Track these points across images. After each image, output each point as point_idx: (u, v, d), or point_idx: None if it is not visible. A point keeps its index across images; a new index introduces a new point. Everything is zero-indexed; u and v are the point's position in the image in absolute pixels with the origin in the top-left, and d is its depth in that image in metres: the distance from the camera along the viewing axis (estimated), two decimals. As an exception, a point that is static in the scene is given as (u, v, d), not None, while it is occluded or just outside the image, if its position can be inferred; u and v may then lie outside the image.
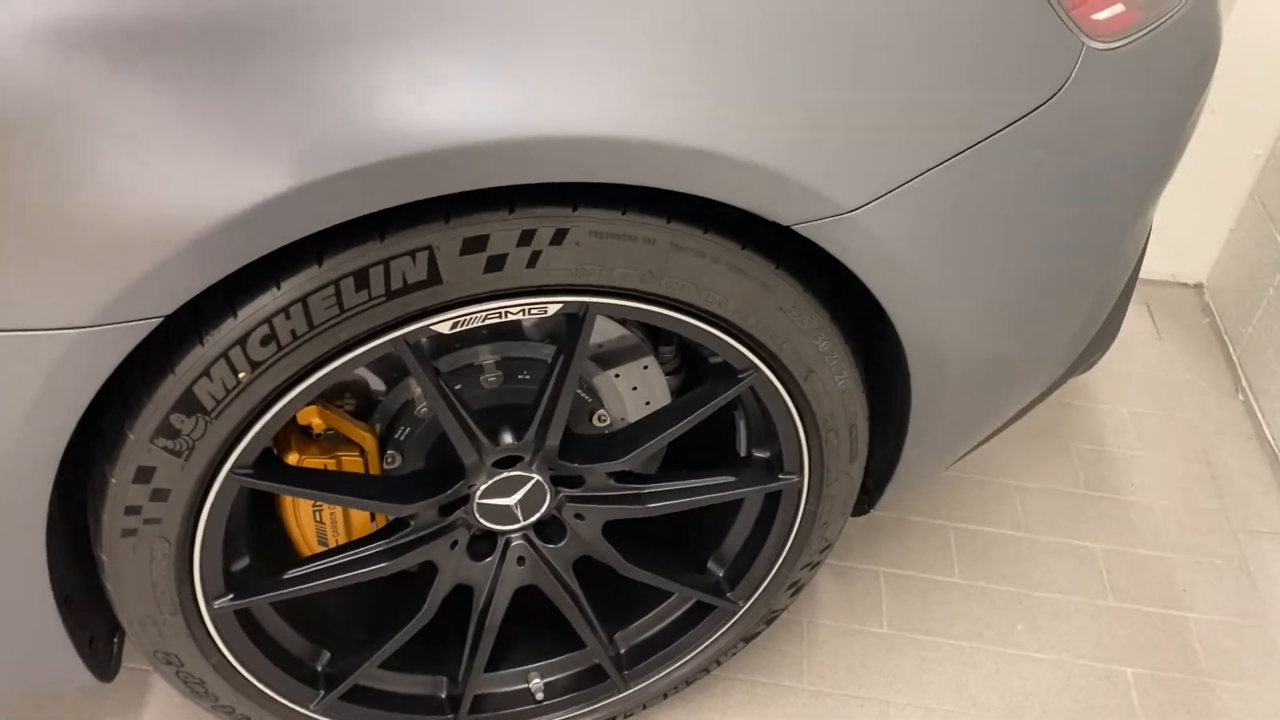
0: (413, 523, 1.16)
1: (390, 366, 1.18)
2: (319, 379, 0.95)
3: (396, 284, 0.91)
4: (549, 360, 1.13)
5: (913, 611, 1.70)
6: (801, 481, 1.21)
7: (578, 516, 1.23)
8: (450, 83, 0.81)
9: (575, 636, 1.34)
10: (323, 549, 1.25)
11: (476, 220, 0.90)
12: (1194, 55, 1.27)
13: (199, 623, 1.11)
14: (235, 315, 0.90)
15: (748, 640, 1.41)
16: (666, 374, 1.28)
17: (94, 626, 1.16)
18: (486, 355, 1.17)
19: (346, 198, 0.82)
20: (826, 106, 0.93)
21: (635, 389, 1.26)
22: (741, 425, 1.26)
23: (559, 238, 0.92)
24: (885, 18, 0.94)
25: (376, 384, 1.21)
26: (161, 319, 0.86)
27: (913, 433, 1.24)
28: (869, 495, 1.37)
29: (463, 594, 1.28)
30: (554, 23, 0.82)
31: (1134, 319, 2.38)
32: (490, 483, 1.15)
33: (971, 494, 1.92)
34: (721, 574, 1.34)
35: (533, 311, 0.97)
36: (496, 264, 0.92)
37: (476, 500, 1.17)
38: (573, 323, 1.03)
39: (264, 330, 0.90)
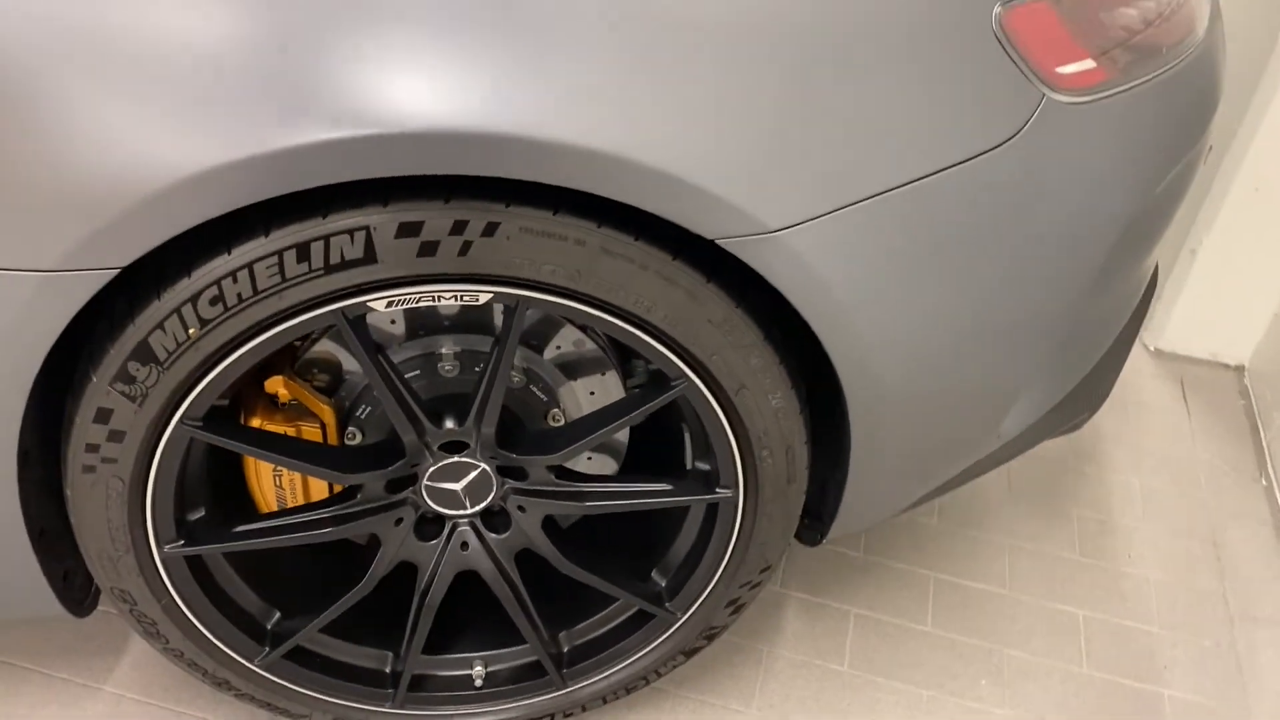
0: (360, 494, 1.23)
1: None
2: (262, 341, 1.03)
3: (335, 259, 0.98)
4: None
5: (877, 654, 1.70)
6: (737, 497, 1.24)
7: (520, 509, 1.28)
8: (389, 74, 0.88)
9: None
10: (280, 513, 1.33)
11: (413, 206, 0.97)
12: (1182, 113, 1.26)
13: (150, 564, 1.19)
14: (190, 275, 0.98)
15: (688, 655, 1.44)
16: (634, 387, 1.32)
17: (70, 563, 1.25)
18: (447, 345, 1.24)
19: (279, 174, 0.90)
20: (756, 126, 0.97)
21: (593, 393, 1.31)
22: (687, 437, 1.30)
23: (490, 230, 0.98)
24: (823, 47, 0.97)
25: (350, 364, 1.28)
26: (118, 270, 0.95)
27: (855, 463, 1.25)
28: (820, 525, 1.39)
29: (415, 574, 1.34)
30: (487, 22, 0.89)
31: (1164, 394, 2.34)
32: (437, 466, 1.22)
33: (961, 547, 1.91)
34: (664, 584, 1.38)
35: (464, 299, 1.04)
36: (429, 249, 0.99)
37: (425, 482, 1.23)
38: (508, 315, 1.09)
39: (213, 291, 0.99)
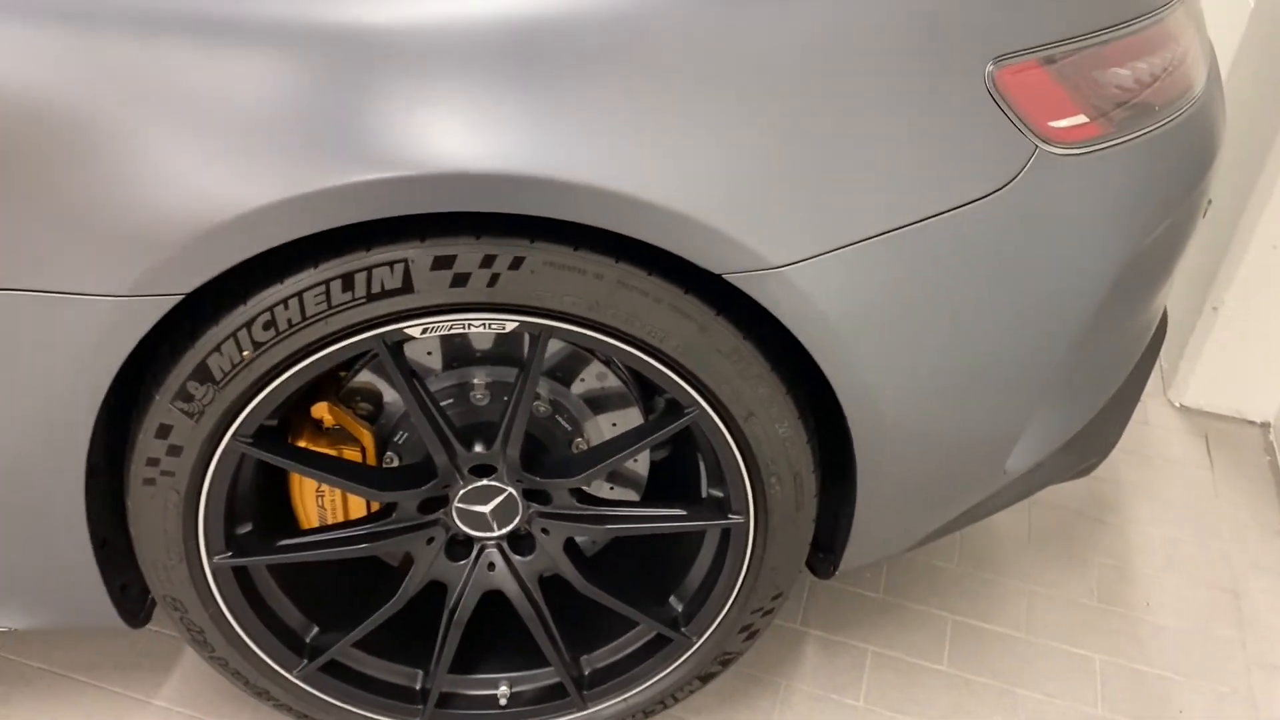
0: (395, 513, 1.32)
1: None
2: (309, 364, 1.13)
3: (376, 288, 1.08)
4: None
5: (891, 690, 1.74)
6: (748, 523, 1.31)
7: (544, 531, 1.36)
8: (427, 122, 0.99)
9: (549, 652, 1.46)
10: (321, 530, 1.42)
11: (447, 242, 1.07)
12: (1176, 166, 1.31)
13: (200, 574, 1.28)
14: (246, 302, 1.09)
15: (704, 680, 1.49)
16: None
17: (128, 576, 1.35)
18: (479, 376, 1.33)
19: (327, 210, 1.00)
20: (762, 171, 1.06)
21: (615, 425, 1.40)
22: (702, 465, 1.38)
23: (516, 264, 1.08)
24: (824, 99, 1.06)
25: (390, 395, 1.38)
26: (182, 296, 1.06)
27: (862, 494, 1.32)
28: (834, 557, 1.45)
29: (444, 594, 1.42)
30: (514, 75, 1.00)
31: (1188, 448, 2.37)
32: (467, 489, 1.30)
33: (980, 590, 1.95)
34: (681, 609, 1.44)
35: (492, 326, 1.13)
36: (461, 280, 1.09)
37: (455, 504, 1.32)
38: (532, 342, 1.18)
39: (266, 317, 1.09)
